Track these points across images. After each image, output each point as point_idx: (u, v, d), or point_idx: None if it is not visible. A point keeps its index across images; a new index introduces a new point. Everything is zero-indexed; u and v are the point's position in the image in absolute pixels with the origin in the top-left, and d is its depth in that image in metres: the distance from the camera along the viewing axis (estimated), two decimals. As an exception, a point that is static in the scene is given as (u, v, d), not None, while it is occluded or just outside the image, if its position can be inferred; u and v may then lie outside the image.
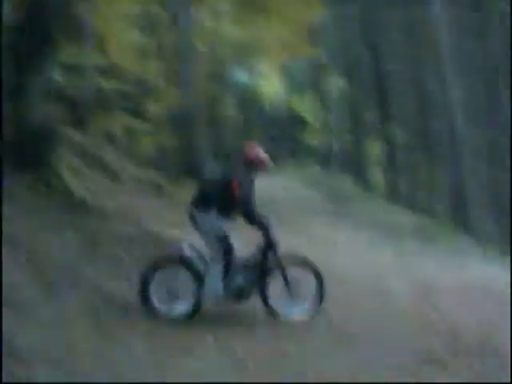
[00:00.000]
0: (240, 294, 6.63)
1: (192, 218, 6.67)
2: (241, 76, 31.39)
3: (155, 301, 6.45)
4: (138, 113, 14.81)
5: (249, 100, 33.13)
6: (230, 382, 4.99)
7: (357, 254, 11.45)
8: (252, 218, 6.55)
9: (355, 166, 27.62)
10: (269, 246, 6.62)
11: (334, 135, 33.59)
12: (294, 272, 6.66)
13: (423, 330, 6.46)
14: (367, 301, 7.57)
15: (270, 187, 17.42)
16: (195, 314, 6.53)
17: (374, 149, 30.70)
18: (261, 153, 6.84)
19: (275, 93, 34.67)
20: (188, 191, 8.29)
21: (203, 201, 6.68)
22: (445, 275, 9.69)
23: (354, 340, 6.05)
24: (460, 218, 19.45)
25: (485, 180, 21.30)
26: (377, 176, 31.61)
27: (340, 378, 5.09)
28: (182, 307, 6.55)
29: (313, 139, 34.86)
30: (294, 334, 6.13)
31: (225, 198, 6.61)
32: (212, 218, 6.59)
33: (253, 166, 6.80)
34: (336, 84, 31.56)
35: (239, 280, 6.62)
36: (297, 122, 35.55)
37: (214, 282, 6.54)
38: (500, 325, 6.59)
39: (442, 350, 5.81)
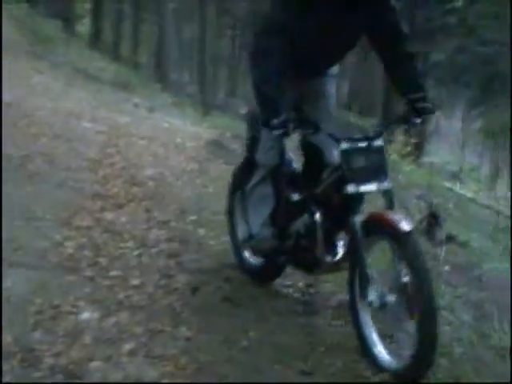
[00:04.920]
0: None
1: None
2: None
3: None
4: None
5: None
6: None
7: (53, 95, 11.08)
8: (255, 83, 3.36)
9: (63, 10, 26.12)
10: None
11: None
12: None
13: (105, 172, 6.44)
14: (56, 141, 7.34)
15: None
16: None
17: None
18: None
19: None
20: None
21: None
22: (140, 124, 9.79)
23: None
24: (161, 76, 19.56)
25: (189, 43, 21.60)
26: (85, 23, 30.31)
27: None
28: None
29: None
30: None
31: None
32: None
33: None
34: None
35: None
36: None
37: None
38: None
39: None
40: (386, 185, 3.18)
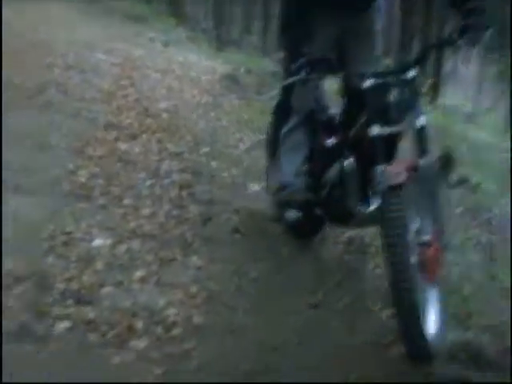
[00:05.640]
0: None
1: None
2: None
3: None
4: None
5: None
6: None
7: (68, 26, 10.94)
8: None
9: None
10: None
11: None
12: None
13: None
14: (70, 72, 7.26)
15: None
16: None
17: None
18: None
19: None
20: None
21: None
22: (154, 57, 9.65)
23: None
24: (176, 10, 19.19)
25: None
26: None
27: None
28: None
29: None
30: None
31: None
32: None
33: None
34: None
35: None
36: None
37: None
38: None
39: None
40: (417, 124, 2.72)
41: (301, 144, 3.35)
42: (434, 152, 5.99)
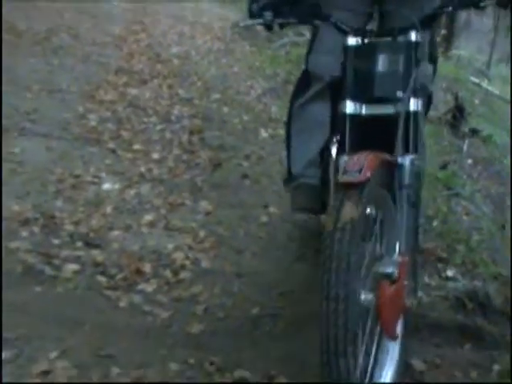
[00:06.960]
0: None
1: None
2: None
3: None
4: None
5: None
6: None
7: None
8: None
9: None
10: None
11: None
12: None
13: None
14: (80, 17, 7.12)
15: None
16: None
17: None
18: None
19: None
20: None
21: None
22: (166, 2, 9.45)
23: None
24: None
25: None
26: None
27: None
28: None
29: None
30: None
31: None
32: None
33: None
34: None
35: None
36: None
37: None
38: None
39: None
40: (408, 106, 1.94)
41: (319, 123, 2.43)
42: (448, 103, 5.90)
